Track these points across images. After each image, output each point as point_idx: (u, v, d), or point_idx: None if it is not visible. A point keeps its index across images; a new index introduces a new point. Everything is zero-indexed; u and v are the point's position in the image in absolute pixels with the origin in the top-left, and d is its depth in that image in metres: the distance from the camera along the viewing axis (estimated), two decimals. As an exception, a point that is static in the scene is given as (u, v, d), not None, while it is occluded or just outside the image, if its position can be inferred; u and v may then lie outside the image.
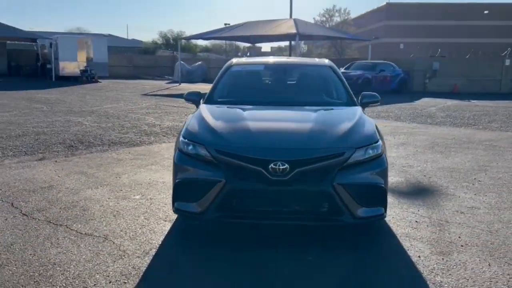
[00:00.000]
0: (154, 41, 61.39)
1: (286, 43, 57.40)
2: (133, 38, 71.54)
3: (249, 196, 3.59)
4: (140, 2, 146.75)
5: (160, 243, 3.72)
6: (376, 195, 3.70)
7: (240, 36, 25.58)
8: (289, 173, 3.47)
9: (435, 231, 4.06)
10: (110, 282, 3.04)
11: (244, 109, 4.43)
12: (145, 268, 3.27)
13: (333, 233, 3.99)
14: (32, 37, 29.45)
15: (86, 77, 26.23)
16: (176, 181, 3.74)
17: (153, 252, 3.54)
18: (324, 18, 58.03)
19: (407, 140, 8.71)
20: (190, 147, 3.77)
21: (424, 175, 6.04)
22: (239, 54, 71.18)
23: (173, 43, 60.47)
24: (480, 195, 5.16)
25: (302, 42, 60.62)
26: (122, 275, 3.15)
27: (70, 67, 26.73)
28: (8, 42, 31.72)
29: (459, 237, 3.94)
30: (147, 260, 3.40)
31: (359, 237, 3.98)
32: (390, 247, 3.77)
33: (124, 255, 3.46)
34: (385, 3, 61.49)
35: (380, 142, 3.89)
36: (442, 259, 3.51)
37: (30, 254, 3.44)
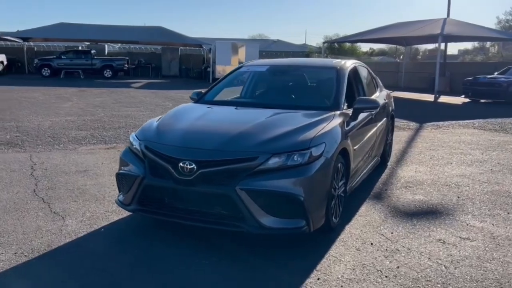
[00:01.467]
0: (318, 45, 62.36)
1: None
2: (303, 43, 73.75)
3: (161, 193, 3.68)
4: (321, 9, 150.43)
5: (96, 228, 4.06)
6: (290, 206, 3.43)
7: (387, 38, 24.45)
8: (195, 173, 3.46)
9: (376, 257, 3.54)
10: (15, 254, 3.47)
11: (211, 109, 4.50)
12: (56, 246, 3.63)
13: (264, 243, 3.79)
14: (199, 43, 32.82)
15: (236, 79, 28.18)
16: (116, 173, 4.04)
17: (82, 234, 3.89)
18: (510, 17, 51.32)
19: (494, 157, 7.41)
20: (134, 143, 4.01)
21: (459, 197, 5.16)
22: (419, 57, 67.45)
23: (337, 47, 60.67)
24: (498, 227, 4.24)
25: (481, 44, 54.38)
26: (33, 249, 3.56)
27: (224, 70, 29.05)
28: (181, 48, 35.92)
29: (398, 267, 3.37)
30: (67, 240, 3.76)
31: (277, 250, 3.67)
32: (300, 264, 3.40)
33: (57, 233, 3.88)
34: None
35: (311, 150, 3.55)
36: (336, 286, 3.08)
37: (-7, 222, 4.12)
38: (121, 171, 3.95)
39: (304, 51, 62.28)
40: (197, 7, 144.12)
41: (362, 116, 4.76)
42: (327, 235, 3.90)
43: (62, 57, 29.76)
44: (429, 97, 19.79)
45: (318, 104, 4.54)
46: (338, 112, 4.31)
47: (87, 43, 35.15)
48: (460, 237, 3.97)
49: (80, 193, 5.04)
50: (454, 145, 8.41)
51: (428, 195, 5.24)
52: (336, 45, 60.17)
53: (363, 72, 5.79)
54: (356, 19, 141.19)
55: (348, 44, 60.18)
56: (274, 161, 3.45)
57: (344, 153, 4.13)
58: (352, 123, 4.51)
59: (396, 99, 19.95)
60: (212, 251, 3.60)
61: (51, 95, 17.03)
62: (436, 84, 18.94)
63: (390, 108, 6.52)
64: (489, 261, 3.51)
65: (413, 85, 26.45)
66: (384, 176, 6.07)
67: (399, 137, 9.19)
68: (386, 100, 6.27)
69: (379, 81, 6.73)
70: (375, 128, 5.41)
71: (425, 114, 13.67)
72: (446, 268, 3.37)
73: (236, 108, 4.64)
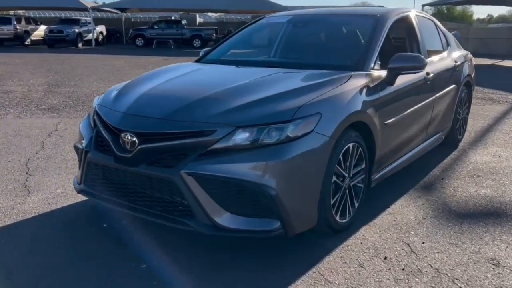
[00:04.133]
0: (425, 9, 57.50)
1: None
2: (407, 9, 68.71)
3: (102, 172, 2.87)
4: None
5: (54, 208, 3.42)
6: (256, 200, 2.46)
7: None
8: (135, 149, 2.62)
9: (382, 281, 2.44)
10: None
11: (198, 69, 3.63)
12: (-11, 229, 3.06)
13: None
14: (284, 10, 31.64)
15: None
16: (73, 145, 3.32)
17: (29, 216, 3.26)
18: None
19: None
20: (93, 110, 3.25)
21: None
22: None
23: (446, 13, 55.36)
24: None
25: None
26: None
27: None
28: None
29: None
30: (5, 223, 3.17)
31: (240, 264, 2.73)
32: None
33: (4, 212, 3.31)
34: None
35: (296, 123, 2.51)
36: None
37: (-47, 194, 3.67)
38: (75, 144, 3.22)
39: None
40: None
41: (404, 79, 3.52)
42: (325, 240, 2.87)
43: (155, 27, 30.40)
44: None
45: (335, 63, 3.40)
46: (359, 73, 3.16)
47: (180, 13, 35.70)
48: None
49: (72, 165, 4.46)
50: (560, 123, 6.59)
51: (499, 189, 3.88)
52: (445, 10, 54.96)
53: (424, 25, 4.44)
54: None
55: (458, 10, 54.75)
56: (239, 137, 2.48)
57: (363, 129, 3.01)
58: (386, 88, 3.32)
59: (501, 68, 17.25)
60: (159, 251, 2.77)
61: (131, 63, 17.16)
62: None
63: (465, 74, 5.05)
64: None
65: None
66: (447, 160, 4.73)
67: (487, 112, 7.50)
68: (458, 63, 4.84)
69: (453, 39, 5.26)
70: (432, 98, 4.11)
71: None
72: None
73: (235, 68, 3.67)
